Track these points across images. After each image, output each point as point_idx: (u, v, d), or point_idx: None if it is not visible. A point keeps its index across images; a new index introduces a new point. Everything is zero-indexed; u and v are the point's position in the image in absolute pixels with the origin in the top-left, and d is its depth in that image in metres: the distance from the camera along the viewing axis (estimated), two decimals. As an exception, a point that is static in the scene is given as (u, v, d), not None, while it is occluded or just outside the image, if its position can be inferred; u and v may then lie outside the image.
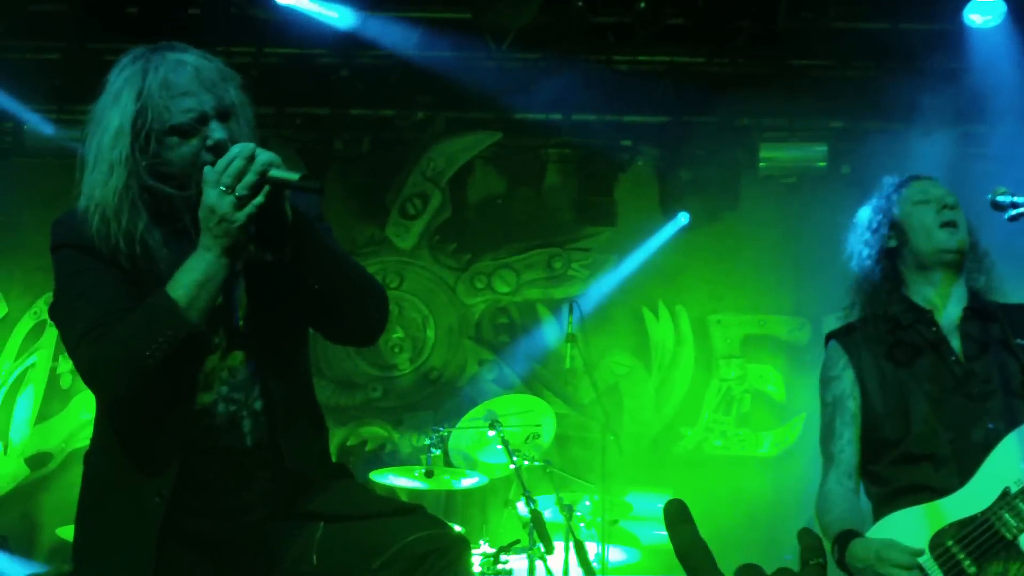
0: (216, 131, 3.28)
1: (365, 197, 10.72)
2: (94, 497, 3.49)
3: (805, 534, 1.50)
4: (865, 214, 4.56)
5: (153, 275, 3.28)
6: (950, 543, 3.89)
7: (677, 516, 1.47)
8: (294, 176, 3.19)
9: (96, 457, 3.53)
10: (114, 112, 3.30)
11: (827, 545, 4.14)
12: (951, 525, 3.92)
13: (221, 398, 3.40)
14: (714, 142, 9.83)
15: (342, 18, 9.01)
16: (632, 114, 10.07)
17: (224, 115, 3.33)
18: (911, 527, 3.98)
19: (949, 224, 4.27)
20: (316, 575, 3.43)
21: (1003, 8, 8.47)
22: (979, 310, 4.29)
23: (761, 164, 9.94)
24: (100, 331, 3.17)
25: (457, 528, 7.65)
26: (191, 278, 3.17)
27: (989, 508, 3.88)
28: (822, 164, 9.90)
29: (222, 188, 3.14)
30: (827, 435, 4.41)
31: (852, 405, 4.35)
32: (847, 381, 4.39)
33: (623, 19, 9.34)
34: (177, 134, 3.28)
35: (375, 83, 10.05)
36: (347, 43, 9.53)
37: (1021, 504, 3.84)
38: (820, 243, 9.47)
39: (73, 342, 3.23)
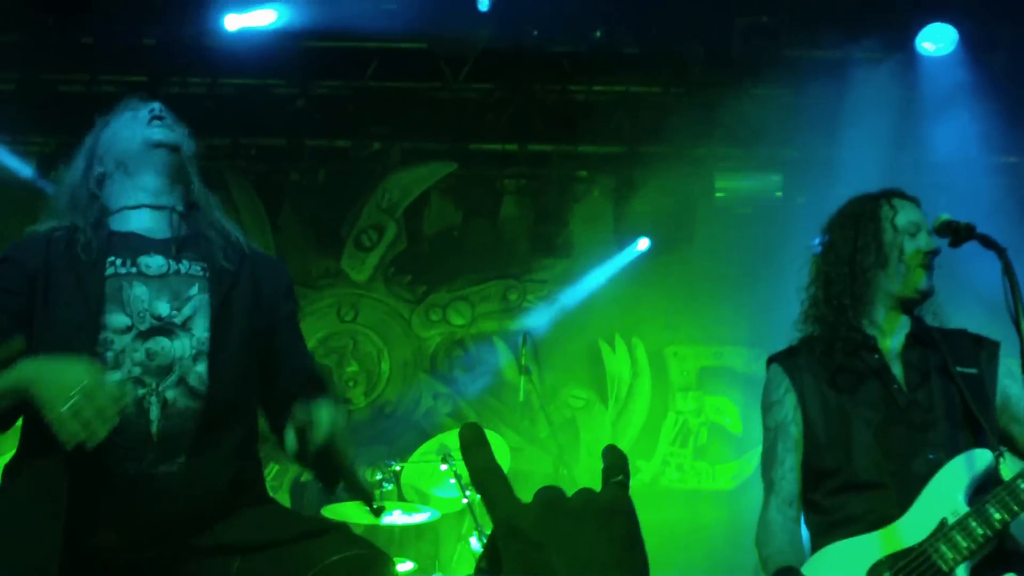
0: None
1: (320, 228, 10.66)
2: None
3: (610, 452, 1.44)
4: (854, 221, 4.36)
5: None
6: (887, 574, 3.85)
7: (473, 440, 1.40)
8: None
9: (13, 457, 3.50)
10: None
11: None
12: (888, 557, 3.88)
13: (131, 379, 3.34)
14: (670, 172, 9.80)
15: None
16: (587, 144, 10.04)
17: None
18: (848, 558, 3.94)
19: (929, 267, 4.18)
20: None
21: (955, 36, 8.52)
22: (920, 336, 4.21)
23: (717, 194, 9.95)
24: None
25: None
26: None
27: (926, 540, 3.85)
28: (778, 193, 9.90)
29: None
30: (769, 461, 4.30)
31: (794, 431, 4.24)
32: (789, 406, 4.28)
33: (578, 48, 9.34)
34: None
35: (330, 113, 10.02)
36: (303, 73, 9.51)
37: (958, 536, 3.80)
38: (776, 273, 9.58)
39: None
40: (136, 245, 3.50)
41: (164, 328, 3.40)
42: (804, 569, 3.98)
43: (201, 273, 3.51)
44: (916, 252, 4.17)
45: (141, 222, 3.56)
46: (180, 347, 3.41)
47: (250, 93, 9.74)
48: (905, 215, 4.27)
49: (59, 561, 3.19)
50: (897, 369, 4.17)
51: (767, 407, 4.39)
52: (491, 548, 1.36)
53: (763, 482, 4.32)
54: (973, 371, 4.03)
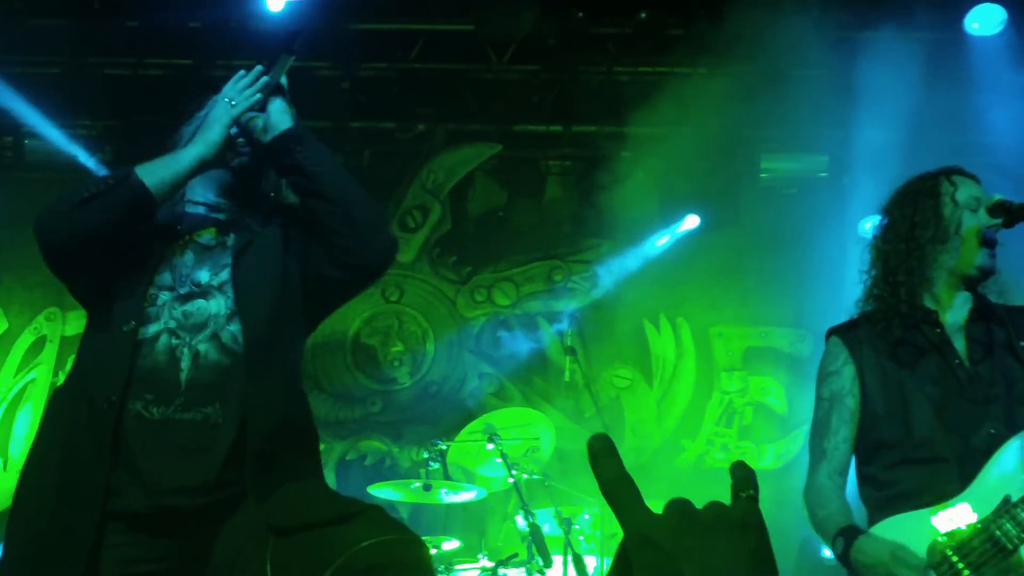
0: None
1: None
2: (47, 422, 3.58)
3: (739, 467, 1.47)
4: (913, 198, 4.34)
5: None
6: (948, 552, 3.81)
7: (602, 450, 1.43)
8: (281, 60, 3.84)
9: (54, 396, 3.66)
10: None
11: (826, 541, 4.07)
12: (950, 533, 3.85)
13: (167, 330, 3.51)
14: (714, 153, 9.77)
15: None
16: (632, 125, 10.02)
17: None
18: (908, 533, 3.89)
19: (988, 243, 4.15)
20: None
21: (1003, 16, 8.46)
22: (984, 312, 4.18)
23: (762, 175, 9.92)
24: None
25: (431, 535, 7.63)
26: (162, 158, 3.60)
27: (988, 516, 3.81)
28: (823, 174, 9.87)
29: (228, 101, 3.70)
30: (821, 430, 4.28)
31: (851, 402, 4.23)
32: (847, 377, 4.26)
33: (623, 30, 9.33)
34: None
35: (375, 95, 10.04)
36: (347, 55, 9.53)
37: (1021, 512, 3.77)
38: (821, 254, 9.57)
39: None
40: (196, 221, 3.74)
41: (202, 292, 3.58)
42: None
43: (239, 244, 3.69)
44: (975, 227, 4.14)
45: (208, 207, 3.79)
46: (216, 306, 3.57)
47: (295, 75, 9.76)
48: (966, 190, 4.23)
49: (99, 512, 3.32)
50: (959, 343, 4.14)
51: (823, 377, 4.36)
52: (622, 558, 1.39)
53: (811, 450, 4.30)
54: None
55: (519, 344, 10.50)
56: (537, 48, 9.52)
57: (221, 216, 3.76)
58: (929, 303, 4.22)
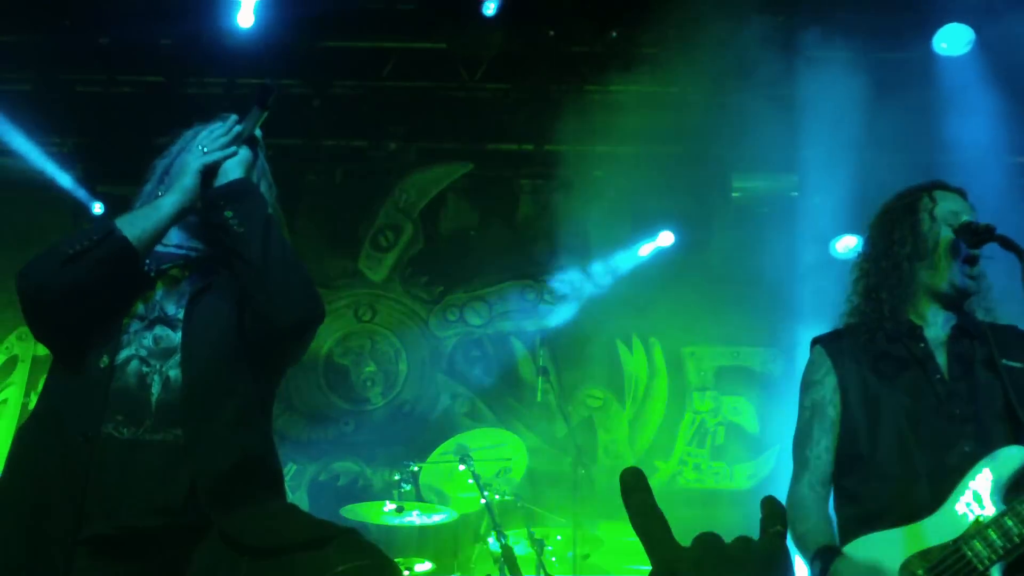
0: None
1: (337, 229, 10.67)
2: (15, 457, 3.59)
3: (768, 503, 1.46)
4: (892, 215, 4.37)
5: None
6: (920, 571, 3.81)
7: (634, 484, 1.42)
8: (255, 113, 3.81)
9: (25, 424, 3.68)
10: None
11: (804, 558, 4.07)
12: (922, 552, 3.84)
13: (137, 357, 3.56)
14: (686, 172, 9.79)
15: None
16: (604, 144, 10.03)
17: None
18: (881, 552, 3.89)
19: (970, 260, 4.13)
20: None
21: (971, 36, 8.51)
22: (967, 329, 4.17)
23: (734, 194, 9.93)
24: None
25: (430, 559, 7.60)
26: (140, 210, 3.70)
27: (961, 537, 3.80)
28: (795, 193, 9.89)
29: (202, 149, 3.73)
30: (803, 440, 4.28)
31: (832, 412, 4.23)
32: (828, 387, 4.26)
33: (594, 49, 9.34)
34: None
35: (347, 113, 10.03)
36: (319, 73, 9.52)
37: (993, 534, 3.76)
38: (793, 273, 9.58)
39: None
40: (166, 257, 3.80)
41: (169, 322, 3.63)
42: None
43: (200, 283, 3.75)
44: (951, 242, 4.15)
45: (177, 245, 3.85)
46: (178, 337, 3.62)
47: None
48: (945, 205, 4.24)
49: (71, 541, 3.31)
50: (941, 359, 4.13)
51: (806, 386, 4.35)
52: None
53: (794, 459, 4.30)
54: (1019, 365, 3.96)
55: (492, 364, 10.48)
56: (509, 67, 9.52)
57: (191, 254, 3.81)
58: (913, 318, 4.21)
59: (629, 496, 1.42)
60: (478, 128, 10.09)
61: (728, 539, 1.45)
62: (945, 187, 4.34)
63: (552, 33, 9.13)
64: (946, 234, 4.17)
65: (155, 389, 3.51)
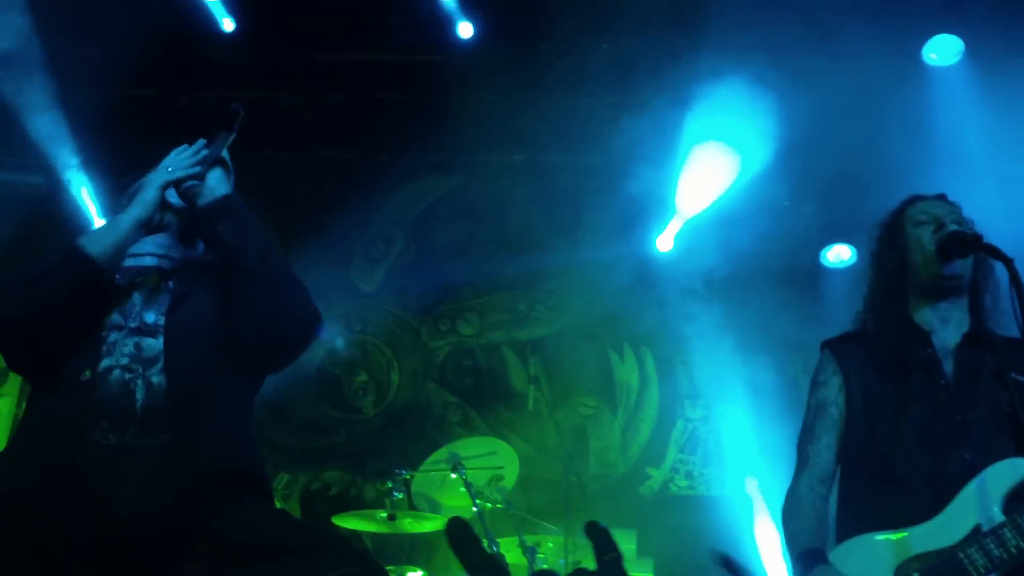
0: None
1: (329, 240, 10.67)
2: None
3: (593, 529, 1.48)
4: (880, 230, 4.53)
5: None
6: (916, 575, 3.84)
7: (461, 535, 1.45)
8: (222, 135, 3.91)
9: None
10: None
11: (791, 555, 4.11)
12: (918, 556, 3.87)
13: (120, 366, 3.58)
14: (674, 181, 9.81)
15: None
16: (594, 154, 10.06)
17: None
18: (877, 553, 3.92)
19: (946, 251, 4.19)
20: None
21: (960, 47, 8.56)
22: (978, 337, 4.21)
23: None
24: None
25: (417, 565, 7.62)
26: (103, 226, 3.84)
27: (958, 544, 3.82)
28: (785, 203, 9.91)
29: (167, 168, 3.85)
30: (806, 437, 4.37)
31: (835, 412, 4.31)
32: (833, 387, 4.35)
33: (585, 60, 9.34)
34: None
35: (338, 125, 10.04)
36: (310, 85, 9.54)
37: (991, 544, 3.79)
38: (784, 281, 9.62)
39: None
40: (140, 270, 3.85)
41: (149, 330, 3.67)
42: (831, 557, 4.00)
43: (179, 291, 3.81)
44: (931, 239, 4.24)
45: (151, 255, 3.91)
46: (161, 344, 3.66)
47: (258, 106, 9.76)
48: (920, 209, 4.38)
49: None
50: (948, 365, 4.18)
51: (813, 386, 4.45)
52: None
53: (797, 456, 4.37)
54: None
55: (484, 373, 10.49)
56: (499, 78, 9.52)
57: (165, 265, 3.87)
58: (921, 324, 4.27)
59: (461, 548, 1.44)
60: (469, 139, 10.08)
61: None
62: (923, 197, 4.46)
63: (543, 45, 9.14)
64: (923, 233, 4.29)
65: (139, 395, 3.54)
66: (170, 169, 3.82)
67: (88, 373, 3.54)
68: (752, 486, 9.39)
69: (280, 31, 9.10)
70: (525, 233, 10.64)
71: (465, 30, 9.12)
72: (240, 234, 3.71)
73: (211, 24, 8.99)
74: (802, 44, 8.28)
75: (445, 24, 9.11)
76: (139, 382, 3.56)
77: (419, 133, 10.07)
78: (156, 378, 3.57)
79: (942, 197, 4.46)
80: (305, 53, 9.46)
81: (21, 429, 3.68)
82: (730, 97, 8.85)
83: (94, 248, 3.62)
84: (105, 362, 3.57)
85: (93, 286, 3.62)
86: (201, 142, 3.91)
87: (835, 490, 4.34)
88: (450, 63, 9.40)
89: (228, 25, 8.95)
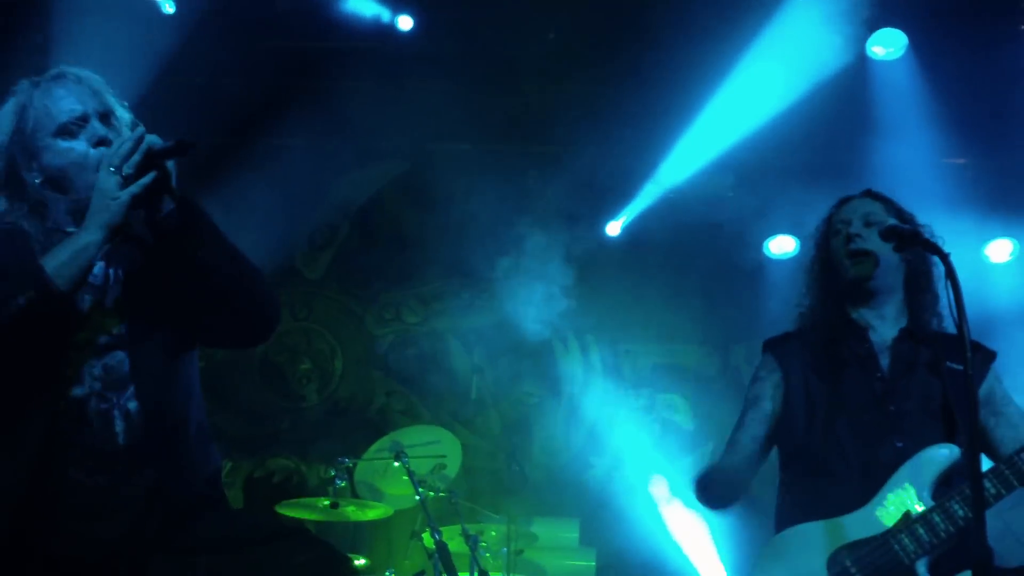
0: (99, 129, 3.50)
1: (273, 227, 10.61)
2: None
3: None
4: (815, 233, 4.69)
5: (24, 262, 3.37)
6: (848, 563, 3.91)
7: None
8: (171, 144, 3.36)
9: None
10: None
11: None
12: (850, 544, 3.94)
13: (93, 394, 3.42)
14: (622, 171, 9.83)
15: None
16: (540, 143, 10.06)
17: (105, 117, 3.56)
18: (810, 542, 4.01)
19: (853, 255, 4.32)
20: None
21: (904, 40, 8.61)
22: (915, 332, 4.33)
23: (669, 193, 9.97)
24: None
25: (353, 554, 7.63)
26: (63, 250, 3.30)
27: (889, 531, 3.90)
28: (730, 194, 9.95)
29: (111, 168, 3.31)
30: (737, 425, 4.50)
31: (768, 405, 4.45)
32: (769, 384, 4.49)
33: (531, 50, 9.33)
34: (62, 135, 3.49)
35: (284, 111, 9.98)
36: (257, 71, 9.48)
37: (921, 529, 3.85)
38: (728, 272, 9.67)
39: None
40: (98, 280, 3.55)
41: (114, 343, 3.50)
42: (766, 549, 4.09)
43: (121, 276, 3.59)
44: (838, 245, 4.42)
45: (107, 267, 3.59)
46: (127, 363, 3.51)
47: (202, 91, 9.69)
48: (841, 216, 4.52)
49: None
50: (884, 359, 4.30)
51: (752, 381, 4.60)
52: None
53: (727, 443, 4.52)
54: (960, 368, 4.08)
55: (427, 362, 10.48)
56: (448, 66, 9.50)
57: (117, 271, 3.60)
58: (857, 319, 4.35)
59: None
60: (417, 127, 10.05)
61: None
62: (849, 198, 4.60)
63: (492, 33, 9.12)
64: (838, 241, 4.45)
65: (118, 427, 3.42)
66: (125, 172, 3.30)
67: (62, 402, 3.37)
68: (659, 486, 9.50)
69: (224, 16, 9.02)
70: (470, 221, 10.63)
71: (404, 23, 9.08)
72: (208, 240, 3.49)
73: (153, 8, 8.90)
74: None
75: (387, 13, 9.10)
76: (115, 412, 3.44)
77: (364, 120, 10.02)
78: (132, 404, 3.46)
79: (868, 193, 4.58)
80: (249, 40, 9.38)
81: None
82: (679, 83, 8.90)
83: (61, 280, 3.26)
84: (77, 391, 3.40)
85: (59, 311, 3.31)
86: (141, 130, 3.39)
87: (773, 486, 4.45)
88: (395, 51, 9.36)
89: (168, 9, 8.87)
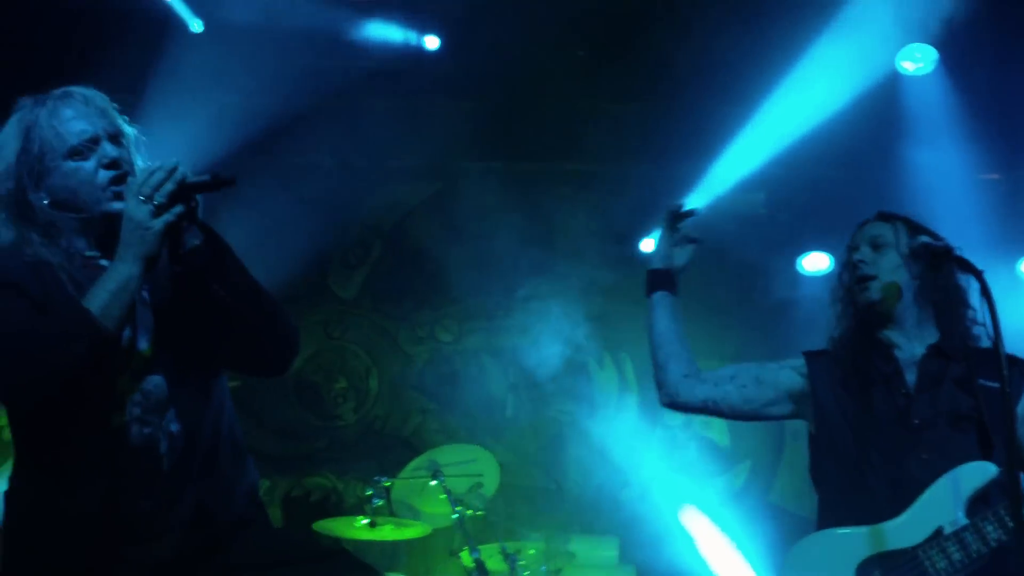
0: (110, 151, 3.46)
1: (306, 247, 10.64)
2: (19, 528, 3.47)
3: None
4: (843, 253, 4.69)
5: (64, 300, 3.33)
6: (877, 574, 3.91)
7: None
8: (206, 177, 3.35)
9: (17, 491, 3.52)
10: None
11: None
12: (880, 555, 3.94)
13: (134, 419, 3.41)
14: (653, 189, 9.80)
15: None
16: (572, 161, 10.07)
17: (115, 138, 3.52)
18: (839, 550, 4.02)
19: (860, 280, 4.36)
20: None
21: (934, 55, 8.57)
22: (945, 348, 4.31)
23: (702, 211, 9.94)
24: (15, 343, 3.20)
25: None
26: (106, 287, 3.25)
27: (920, 545, 3.90)
28: (762, 211, 9.94)
29: (141, 198, 3.28)
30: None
31: (769, 376, 4.62)
32: (787, 369, 4.58)
33: (564, 66, 9.34)
34: (73, 157, 3.44)
35: (315, 130, 10.00)
36: (286, 88, 9.51)
37: (952, 547, 3.85)
38: (762, 290, 9.65)
39: None
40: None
41: (151, 366, 3.50)
42: (793, 553, 4.11)
43: (148, 299, 3.57)
44: (849, 268, 4.50)
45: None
46: (166, 386, 3.52)
47: (233, 110, 9.72)
48: (855, 236, 4.58)
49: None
50: (911, 376, 4.31)
51: (777, 361, 4.69)
52: None
53: None
54: (996, 385, 4.07)
55: (462, 380, 10.49)
56: (479, 84, 9.52)
57: (144, 295, 3.56)
58: (884, 339, 4.35)
59: None
60: (448, 146, 10.06)
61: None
62: (864, 221, 4.63)
63: (520, 51, 9.12)
64: (847, 279, 4.53)
65: (163, 449, 3.43)
66: (156, 202, 3.27)
67: (109, 427, 3.38)
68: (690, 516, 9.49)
69: (254, 35, 9.04)
70: (501, 239, 10.63)
71: (431, 42, 9.13)
72: (235, 275, 3.50)
73: (182, 27, 8.94)
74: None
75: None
76: (160, 435, 3.45)
77: (393, 139, 10.03)
78: (174, 426, 3.47)
79: (880, 215, 4.60)
80: (277, 59, 9.40)
81: (46, 478, 3.45)
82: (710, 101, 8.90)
83: (110, 320, 3.22)
84: (116, 419, 3.39)
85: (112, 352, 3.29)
86: (174, 163, 3.34)
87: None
88: (423, 71, 9.38)
89: (196, 28, 8.92)
